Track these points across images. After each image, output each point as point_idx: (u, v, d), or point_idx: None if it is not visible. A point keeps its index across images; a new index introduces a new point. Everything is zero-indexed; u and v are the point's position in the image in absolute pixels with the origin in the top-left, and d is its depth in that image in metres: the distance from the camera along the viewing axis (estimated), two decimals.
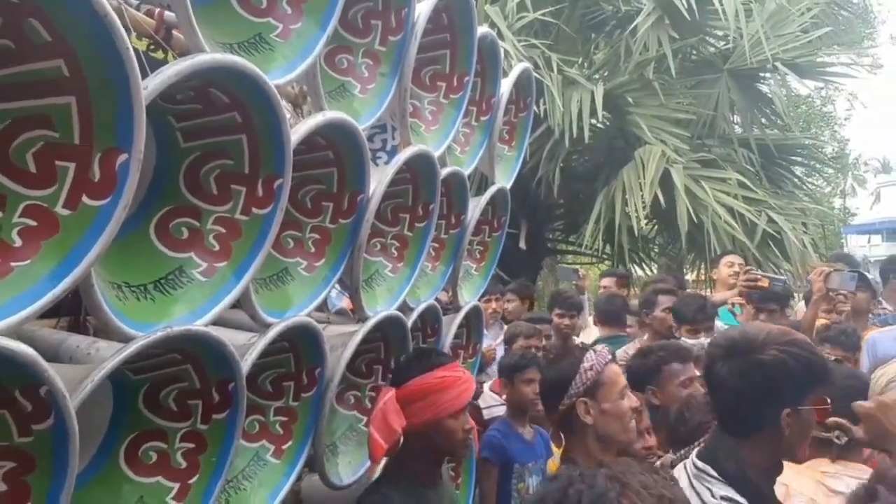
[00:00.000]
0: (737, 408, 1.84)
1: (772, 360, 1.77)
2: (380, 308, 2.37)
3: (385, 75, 2.33)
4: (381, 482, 2.17)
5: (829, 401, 1.81)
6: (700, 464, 1.84)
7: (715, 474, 1.79)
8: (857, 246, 33.05)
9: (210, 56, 1.50)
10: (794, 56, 7.63)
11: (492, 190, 3.09)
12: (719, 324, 4.60)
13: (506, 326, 4.93)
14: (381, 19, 2.33)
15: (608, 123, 7.71)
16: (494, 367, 4.12)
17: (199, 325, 1.59)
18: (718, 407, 1.92)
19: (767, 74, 8.10)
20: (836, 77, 8.83)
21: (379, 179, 2.22)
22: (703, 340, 3.77)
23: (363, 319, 2.31)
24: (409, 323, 2.52)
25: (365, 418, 2.41)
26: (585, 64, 8.22)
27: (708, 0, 7.01)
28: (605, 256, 8.77)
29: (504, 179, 3.27)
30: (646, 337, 4.41)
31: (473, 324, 3.15)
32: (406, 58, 2.34)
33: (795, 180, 8.73)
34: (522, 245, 7.15)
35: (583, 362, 2.22)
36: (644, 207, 6.78)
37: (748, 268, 5.20)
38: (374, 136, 3.29)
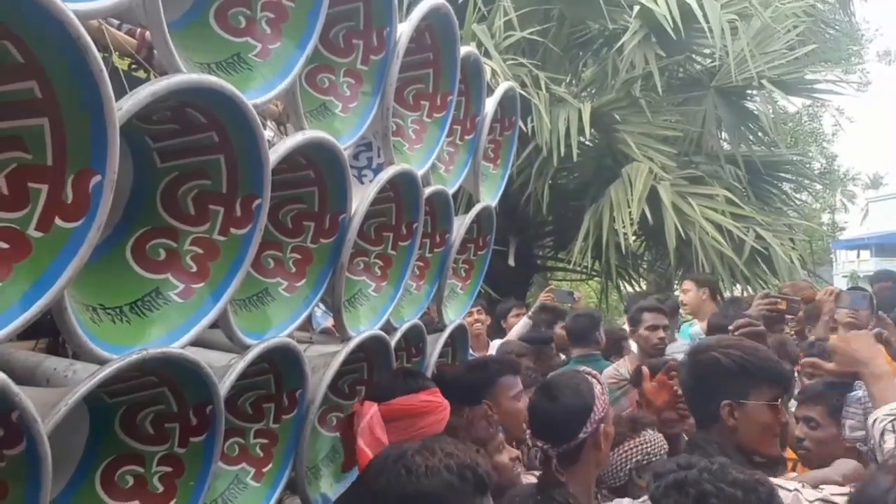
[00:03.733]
0: (690, 402, 2.21)
1: (706, 359, 2.09)
2: (363, 328, 2.35)
3: (367, 94, 2.33)
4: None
5: (778, 400, 2.07)
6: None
7: None
8: (846, 261, 33.20)
9: (186, 76, 1.50)
10: (780, 73, 7.71)
11: (477, 208, 3.09)
12: (682, 340, 4.69)
13: None
14: (362, 39, 2.33)
15: (596, 141, 7.76)
16: None
17: (175, 347, 1.58)
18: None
19: (754, 92, 8.16)
20: (822, 94, 8.93)
21: (361, 198, 2.22)
22: None
23: (346, 339, 2.29)
24: (393, 342, 2.51)
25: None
26: (573, 82, 8.27)
27: (694, 18, 7.07)
28: (594, 273, 8.78)
29: (489, 198, 3.27)
30: (630, 355, 4.41)
31: (459, 342, 3.14)
32: (388, 77, 2.34)
33: (783, 196, 8.78)
34: (512, 262, 7.15)
35: (594, 388, 2.22)
36: (632, 224, 6.81)
37: (765, 291, 5.25)
38: (360, 154, 3.29)
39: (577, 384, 2.24)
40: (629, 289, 9.17)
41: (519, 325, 5.45)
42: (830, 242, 23.31)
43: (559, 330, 5.08)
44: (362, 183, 3.04)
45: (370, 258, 2.50)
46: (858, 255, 36.58)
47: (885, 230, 33.68)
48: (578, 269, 8.33)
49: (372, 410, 2.11)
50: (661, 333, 4.21)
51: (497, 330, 5.67)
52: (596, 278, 9.05)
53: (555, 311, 5.40)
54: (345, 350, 2.20)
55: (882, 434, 1.87)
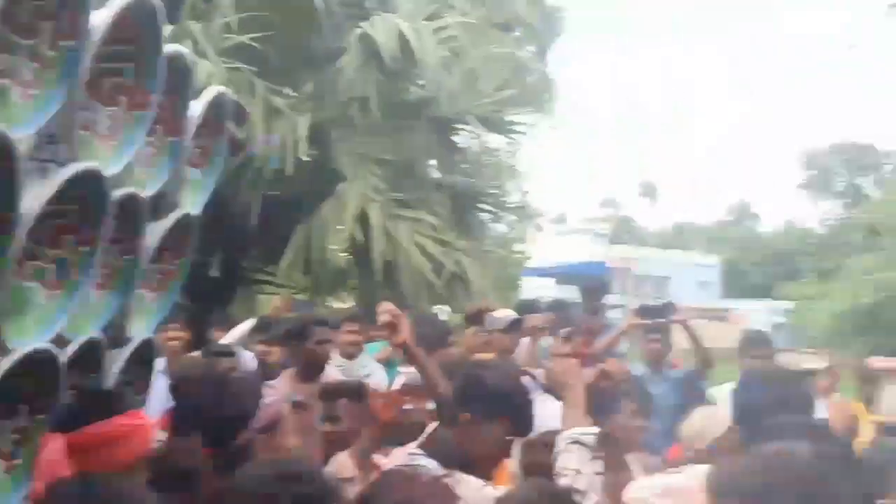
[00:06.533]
0: None
1: None
2: (29, 339, 2.10)
3: (53, 82, 2.11)
4: None
5: None
6: None
7: None
8: (533, 287, 36.48)
9: None
10: (485, 111, 8.32)
11: (176, 214, 2.92)
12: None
13: None
14: (52, 20, 2.10)
15: (312, 156, 7.77)
16: None
17: None
18: None
19: (461, 126, 8.72)
20: (519, 134, 9.83)
21: (36, 197, 1.99)
22: None
23: (8, 352, 2.03)
24: (65, 357, 2.27)
25: (4, 464, 2.10)
26: (293, 95, 8.23)
27: (411, 50, 7.39)
28: (304, 288, 8.77)
29: (193, 205, 3.11)
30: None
31: (145, 359, 2.93)
32: (80, 65, 2.14)
33: (482, 225, 9.48)
34: (215, 273, 6.89)
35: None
36: (342, 242, 6.92)
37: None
38: (44, 145, 2.97)
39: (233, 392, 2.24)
40: (336, 304, 9.28)
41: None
42: (520, 270, 25.44)
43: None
44: (46, 178, 2.74)
45: (44, 263, 2.25)
46: (543, 283, 40.39)
47: (566, 261, 37.66)
48: (286, 283, 8.26)
49: (54, 444, 1.88)
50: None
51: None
52: (304, 293, 9.02)
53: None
54: (4, 364, 1.96)
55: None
